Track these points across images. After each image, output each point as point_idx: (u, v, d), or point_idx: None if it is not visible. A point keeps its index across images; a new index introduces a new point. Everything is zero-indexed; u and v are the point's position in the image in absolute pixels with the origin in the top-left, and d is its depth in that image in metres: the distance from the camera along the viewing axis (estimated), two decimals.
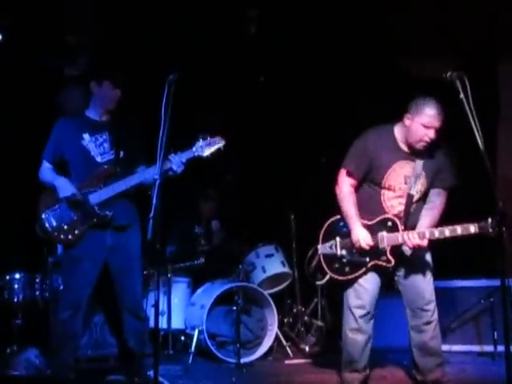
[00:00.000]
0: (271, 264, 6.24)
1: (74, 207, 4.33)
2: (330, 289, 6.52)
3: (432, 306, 4.08)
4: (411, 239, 3.90)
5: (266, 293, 5.89)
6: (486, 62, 6.44)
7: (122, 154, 4.48)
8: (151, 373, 3.72)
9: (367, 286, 4.10)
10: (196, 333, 5.58)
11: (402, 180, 4.03)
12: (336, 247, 4.14)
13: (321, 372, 5.15)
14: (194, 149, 4.30)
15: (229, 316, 5.72)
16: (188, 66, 4.53)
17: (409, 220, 4.05)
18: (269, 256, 6.28)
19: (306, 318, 6.40)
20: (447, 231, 3.78)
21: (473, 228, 3.69)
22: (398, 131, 4.09)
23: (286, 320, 6.41)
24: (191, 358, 5.49)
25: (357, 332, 4.13)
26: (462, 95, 3.50)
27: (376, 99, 6.32)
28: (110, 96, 4.49)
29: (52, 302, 4.96)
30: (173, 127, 3.64)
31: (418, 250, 3.99)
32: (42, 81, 6.01)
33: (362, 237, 4.02)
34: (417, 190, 4.03)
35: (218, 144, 4.31)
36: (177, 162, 4.25)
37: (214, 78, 6.58)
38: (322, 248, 4.20)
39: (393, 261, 3.99)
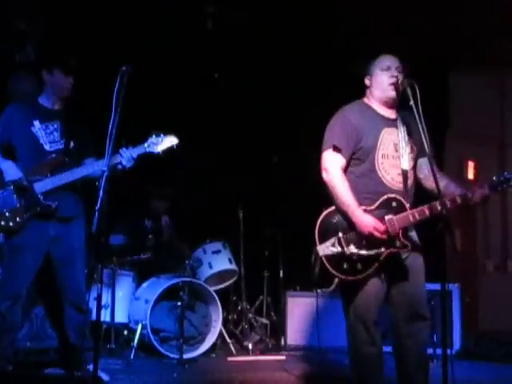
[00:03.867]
0: (218, 260, 6.23)
1: (19, 193, 4.24)
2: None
3: (427, 311, 3.73)
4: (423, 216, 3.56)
5: (211, 289, 5.89)
6: (436, 71, 6.60)
7: (72, 144, 4.41)
8: (91, 366, 3.67)
9: (374, 289, 3.64)
10: (139, 327, 5.53)
11: (393, 147, 3.72)
12: (341, 244, 3.57)
13: (263, 370, 5.19)
14: (146, 144, 4.28)
15: (173, 311, 5.69)
16: (143, 61, 4.49)
17: (408, 197, 3.68)
18: (216, 252, 6.27)
19: (250, 315, 6.41)
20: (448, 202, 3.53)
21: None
22: (368, 100, 3.84)
23: (230, 317, 6.41)
24: (133, 352, 5.44)
25: (371, 345, 3.64)
26: (412, 102, 3.56)
27: (328, 101, 6.38)
28: (62, 84, 4.41)
29: None
30: (126, 121, 3.60)
31: (413, 251, 3.68)
32: None
33: (370, 223, 3.55)
34: (409, 164, 3.73)
35: (172, 142, 4.30)
36: (127, 156, 4.22)
37: (169, 73, 6.54)
38: (323, 249, 3.57)
39: (408, 244, 3.59)
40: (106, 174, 3.54)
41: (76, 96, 4.48)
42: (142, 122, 4.85)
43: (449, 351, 3.30)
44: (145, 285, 6.04)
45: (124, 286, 6.09)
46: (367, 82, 3.85)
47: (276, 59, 6.67)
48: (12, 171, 4.28)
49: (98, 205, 3.43)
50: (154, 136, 4.28)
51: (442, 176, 3.80)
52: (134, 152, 4.25)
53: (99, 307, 3.48)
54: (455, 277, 6.13)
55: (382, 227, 3.57)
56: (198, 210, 6.92)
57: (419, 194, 3.81)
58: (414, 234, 3.80)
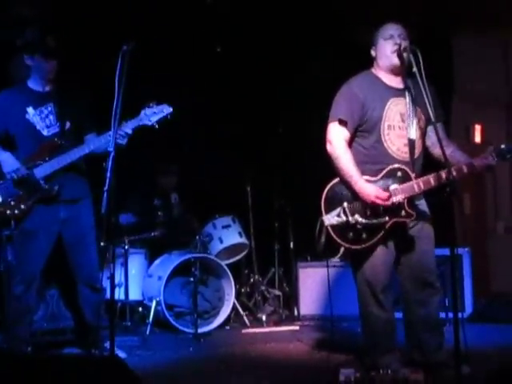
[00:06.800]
0: (228, 235, 6.27)
1: (19, 184, 4.25)
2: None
3: (436, 278, 3.81)
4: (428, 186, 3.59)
5: (223, 263, 5.93)
6: (440, 35, 6.52)
7: (67, 125, 4.38)
8: (108, 344, 3.72)
9: (380, 257, 3.71)
10: (154, 304, 5.59)
11: (399, 118, 3.73)
12: (346, 214, 3.62)
13: (277, 341, 5.23)
14: (139, 117, 4.20)
15: (186, 287, 5.75)
16: (144, 36, 4.45)
17: (415, 167, 3.70)
18: (226, 227, 6.30)
19: (263, 287, 6.46)
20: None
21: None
22: (375, 71, 3.85)
23: (243, 290, 6.46)
24: (149, 328, 5.52)
25: (380, 310, 3.74)
26: (415, 68, 3.54)
27: (332, 71, 6.34)
28: (44, 68, 4.35)
29: (5, 275, 4.90)
30: (128, 97, 3.58)
31: (421, 219, 3.74)
32: None
33: (371, 192, 3.59)
34: (416, 133, 3.72)
35: (165, 112, 4.20)
36: (121, 133, 4.12)
37: (171, 48, 6.49)
38: (329, 219, 3.63)
39: (413, 213, 3.63)
40: (112, 154, 3.54)
41: (71, 73, 4.43)
42: (144, 96, 4.80)
43: (461, 315, 3.31)
44: (157, 262, 6.09)
45: (136, 263, 6.14)
46: (373, 52, 3.87)
47: (279, 30, 6.59)
48: (10, 162, 4.28)
49: (106, 186, 3.45)
50: (146, 108, 4.19)
51: (449, 143, 3.81)
52: (128, 127, 4.17)
53: (113, 286, 3.52)
54: (465, 240, 6.14)
55: (384, 195, 3.60)
56: (205, 185, 6.92)
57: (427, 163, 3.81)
58: (421, 203, 3.82)
